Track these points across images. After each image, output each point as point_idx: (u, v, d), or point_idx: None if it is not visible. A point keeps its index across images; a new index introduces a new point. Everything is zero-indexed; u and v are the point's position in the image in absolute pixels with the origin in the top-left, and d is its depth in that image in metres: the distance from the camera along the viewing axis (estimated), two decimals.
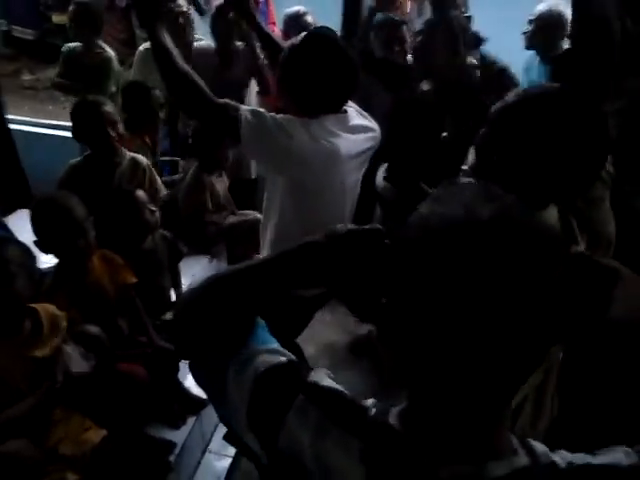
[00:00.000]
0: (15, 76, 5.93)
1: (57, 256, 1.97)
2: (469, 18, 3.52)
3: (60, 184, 2.51)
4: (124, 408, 1.96)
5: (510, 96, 1.19)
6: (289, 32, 3.29)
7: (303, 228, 1.77)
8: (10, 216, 2.84)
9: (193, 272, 2.79)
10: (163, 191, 2.77)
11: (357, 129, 1.76)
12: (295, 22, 3.37)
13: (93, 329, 1.90)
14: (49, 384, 1.62)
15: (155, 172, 2.75)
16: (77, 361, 1.72)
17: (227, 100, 1.63)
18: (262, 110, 1.65)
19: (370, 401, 0.71)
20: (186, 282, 2.63)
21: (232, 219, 3.00)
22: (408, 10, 5.27)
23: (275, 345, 0.80)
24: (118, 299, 2.08)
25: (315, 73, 1.65)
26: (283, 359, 0.76)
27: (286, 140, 1.59)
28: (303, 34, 1.72)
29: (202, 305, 0.81)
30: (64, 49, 3.48)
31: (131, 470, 1.89)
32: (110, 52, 3.48)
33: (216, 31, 3.21)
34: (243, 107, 1.61)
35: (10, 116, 3.68)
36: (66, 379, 1.66)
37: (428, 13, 4.07)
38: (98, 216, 2.07)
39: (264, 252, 1.91)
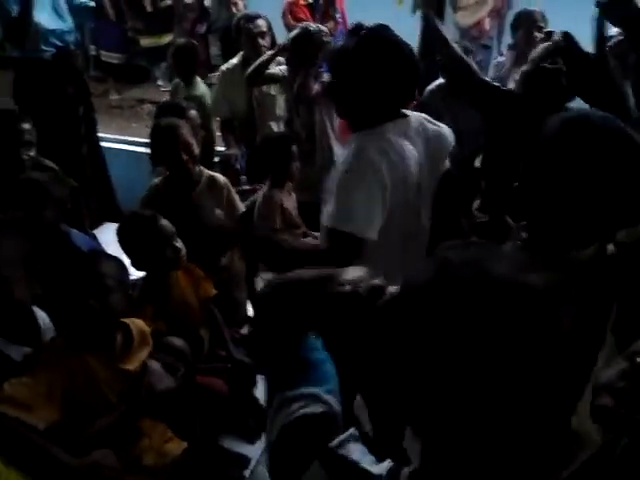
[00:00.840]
0: (104, 96, 6.28)
1: (146, 270, 2.04)
2: (549, 34, 3.43)
3: (143, 204, 2.60)
4: (203, 420, 1.99)
5: (551, 127, 1.12)
6: None
7: (381, 245, 1.70)
8: (98, 229, 2.96)
9: None
10: (242, 209, 2.80)
11: (422, 133, 1.68)
12: None
13: (177, 341, 1.94)
14: (133, 399, 1.65)
15: (234, 190, 2.79)
16: (161, 376, 1.75)
17: None
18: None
19: (385, 465, 0.69)
20: None
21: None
22: (487, 27, 5.22)
23: (322, 389, 0.79)
24: (201, 311, 2.13)
25: (374, 76, 1.55)
26: (319, 409, 0.75)
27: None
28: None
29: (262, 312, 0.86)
30: (173, 83, 3.73)
31: None
32: (202, 89, 3.60)
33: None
34: None
35: (99, 134, 3.91)
36: (150, 395, 1.68)
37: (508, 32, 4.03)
38: (180, 231, 2.14)
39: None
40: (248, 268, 2.47)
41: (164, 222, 2.03)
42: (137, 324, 1.78)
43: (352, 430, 0.74)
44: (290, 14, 4.09)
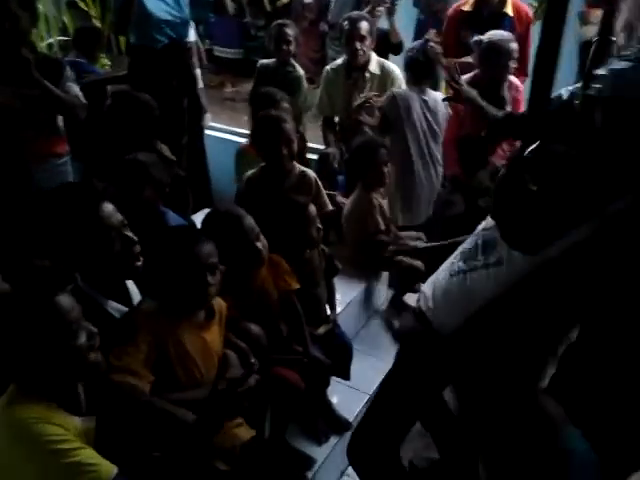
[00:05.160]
0: (219, 88, 6.53)
1: (227, 265, 2.05)
2: None
3: (238, 196, 2.69)
4: (274, 412, 1.98)
5: None
6: None
7: None
8: (194, 215, 3.04)
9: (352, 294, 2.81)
10: (329, 206, 2.79)
11: None
12: None
13: (255, 328, 1.95)
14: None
15: (322, 187, 2.77)
16: (236, 367, 1.76)
17: None
18: None
19: None
20: (344, 301, 2.65)
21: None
22: (621, 42, 4.85)
23: None
24: (281, 304, 2.12)
25: None
26: None
27: None
28: None
29: None
30: (259, 65, 3.73)
31: (271, 476, 1.90)
32: (300, 71, 3.62)
33: None
34: None
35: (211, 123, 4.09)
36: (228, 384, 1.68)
37: None
38: (269, 222, 2.14)
39: None
40: (327, 266, 2.42)
41: (248, 222, 2.00)
42: (219, 302, 1.83)
43: None
44: None
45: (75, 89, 2.60)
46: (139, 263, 1.70)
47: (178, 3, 3.26)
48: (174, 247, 1.70)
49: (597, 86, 1.37)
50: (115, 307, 1.69)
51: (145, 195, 2.17)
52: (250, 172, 2.65)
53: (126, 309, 1.70)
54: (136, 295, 1.80)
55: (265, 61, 3.69)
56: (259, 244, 2.01)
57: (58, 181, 2.40)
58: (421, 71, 3.13)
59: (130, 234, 1.69)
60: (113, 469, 1.31)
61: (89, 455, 1.30)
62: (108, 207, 1.66)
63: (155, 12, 3.16)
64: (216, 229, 1.99)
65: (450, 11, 3.61)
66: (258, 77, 3.65)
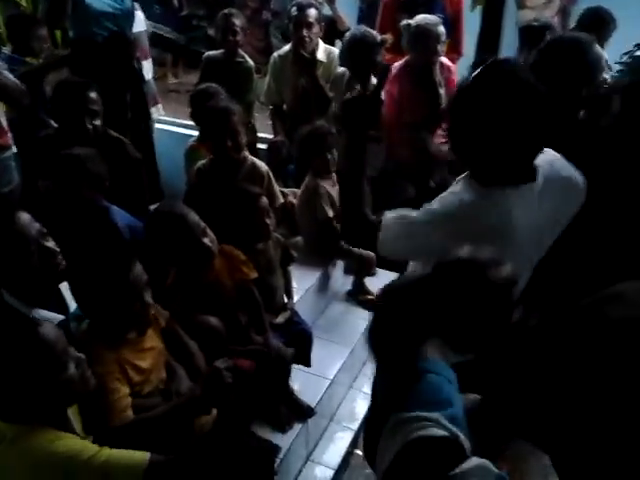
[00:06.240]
0: (162, 80, 6.40)
1: (176, 266, 2.02)
2: None
3: (190, 188, 2.65)
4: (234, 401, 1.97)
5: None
6: None
7: None
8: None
9: (309, 282, 2.83)
10: (280, 199, 2.77)
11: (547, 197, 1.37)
12: None
13: (212, 320, 1.93)
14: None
15: (274, 179, 2.75)
16: (184, 380, 1.76)
17: None
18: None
19: None
20: (301, 289, 2.66)
21: None
22: (555, 26, 5.00)
23: (442, 414, 0.74)
24: (238, 294, 2.10)
25: (494, 116, 1.27)
26: (440, 433, 0.72)
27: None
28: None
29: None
30: (205, 57, 3.63)
31: (236, 465, 1.89)
32: (250, 62, 3.56)
33: None
34: None
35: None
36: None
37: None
38: (221, 213, 2.11)
39: None
40: (283, 255, 2.42)
41: (192, 219, 1.96)
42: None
43: (480, 461, 0.70)
44: None
45: (11, 77, 2.50)
46: (62, 268, 1.61)
47: None
48: (110, 277, 1.56)
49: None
50: (44, 316, 1.60)
51: (84, 191, 2.10)
52: (200, 163, 2.61)
53: (58, 316, 1.63)
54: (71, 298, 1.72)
55: (212, 53, 3.61)
56: (206, 240, 1.98)
57: (3, 176, 2.30)
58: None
59: (50, 244, 1.59)
60: (146, 454, 1.29)
61: (112, 452, 1.28)
62: (24, 217, 1.55)
63: (93, 4, 3.05)
64: (161, 230, 1.96)
65: None
66: (205, 69, 3.57)
